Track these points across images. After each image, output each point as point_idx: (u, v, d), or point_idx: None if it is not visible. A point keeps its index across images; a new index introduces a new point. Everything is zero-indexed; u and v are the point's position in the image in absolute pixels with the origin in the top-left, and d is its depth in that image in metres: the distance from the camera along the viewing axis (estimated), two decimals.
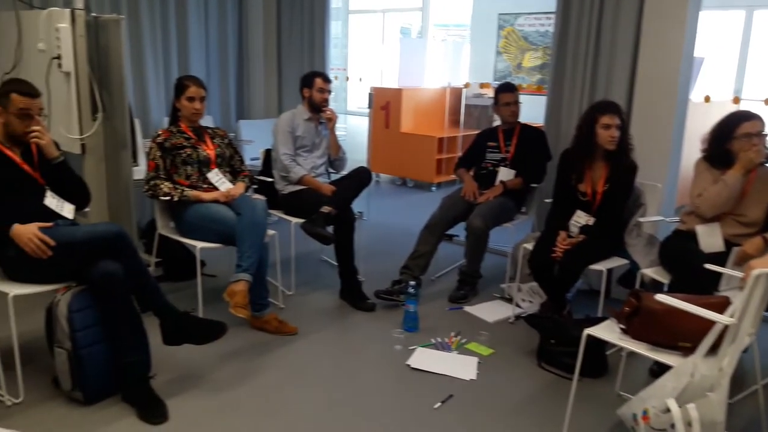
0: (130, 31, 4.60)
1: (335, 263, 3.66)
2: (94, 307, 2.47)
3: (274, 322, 3.20)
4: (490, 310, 3.54)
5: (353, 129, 10.53)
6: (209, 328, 2.61)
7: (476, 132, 4.26)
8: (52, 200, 2.70)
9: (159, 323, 2.62)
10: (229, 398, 2.59)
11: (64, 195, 2.77)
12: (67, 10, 3.13)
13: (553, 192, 3.34)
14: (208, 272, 3.90)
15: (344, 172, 3.93)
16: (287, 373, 2.81)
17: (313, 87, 3.75)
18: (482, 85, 6.93)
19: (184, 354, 2.83)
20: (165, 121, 4.86)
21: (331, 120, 3.82)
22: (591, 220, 3.14)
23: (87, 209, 2.94)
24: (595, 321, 2.60)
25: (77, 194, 2.83)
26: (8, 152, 2.64)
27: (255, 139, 5.19)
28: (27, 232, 2.44)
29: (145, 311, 2.58)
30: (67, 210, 2.74)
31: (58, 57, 3.14)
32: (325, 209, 3.43)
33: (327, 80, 3.79)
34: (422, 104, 7.25)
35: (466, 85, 7.23)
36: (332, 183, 3.76)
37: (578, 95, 3.87)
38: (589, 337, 2.26)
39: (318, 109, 3.79)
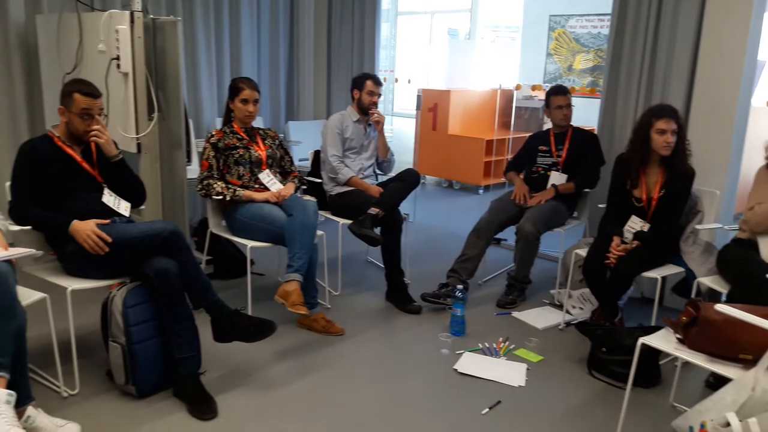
0: (185, 33, 4.72)
1: (381, 265, 3.66)
2: (149, 303, 2.53)
3: (321, 321, 3.22)
4: (539, 316, 3.47)
5: (399, 131, 10.54)
6: (259, 326, 2.64)
7: (526, 134, 4.19)
8: (109, 198, 2.78)
9: (210, 320, 2.66)
10: (277, 397, 2.61)
11: (121, 193, 2.85)
12: (127, 12, 3.21)
13: (607, 197, 3.26)
14: (257, 271, 3.95)
15: (392, 174, 3.92)
16: (334, 373, 2.82)
17: (363, 89, 3.76)
18: (534, 87, 6.82)
19: (234, 351, 2.87)
20: (217, 122, 4.97)
21: (379, 122, 3.83)
22: (646, 227, 3.05)
23: (142, 207, 3.01)
24: (650, 330, 2.52)
25: (134, 192, 2.90)
26: (69, 150, 2.73)
27: (303, 140, 5.25)
28: (85, 229, 2.52)
29: (197, 308, 2.62)
30: (123, 207, 2.82)
31: (117, 58, 3.23)
32: (373, 211, 3.43)
33: (378, 83, 3.79)
34: (470, 106, 7.19)
35: (517, 87, 7.12)
36: (380, 185, 3.76)
37: (633, 99, 3.76)
38: (644, 346, 2.19)
39: (366, 111, 3.80)
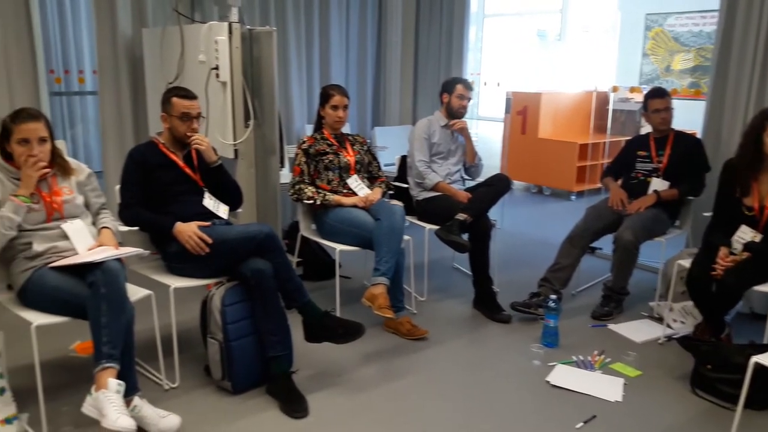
0: (277, 42, 4.87)
1: (468, 272, 3.61)
2: (245, 302, 2.62)
3: (407, 324, 3.22)
4: (637, 330, 3.30)
5: (485, 135, 10.40)
6: (349, 328, 2.67)
7: (622, 139, 4.01)
8: (209, 201, 2.91)
9: (302, 320, 2.73)
10: (366, 399, 2.62)
11: (220, 196, 2.97)
12: (226, 24, 3.35)
13: (714, 205, 3.05)
14: (344, 274, 4.01)
15: (480, 179, 3.87)
16: (422, 379, 2.81)
17: (453, 93, 3.73)
18: (632, 89, 6.51)
19: (323, 352, 2.92)
20: (306, 128, 5.09)
21: (462, 129, 3.78)
22: (758, 237, 2.84)
23: (239, 210, 3.12)
24: (762, 348, 2.34)
25: (232, 196, 3.02)
26: (173, 156, 2.87)
27: (389, 146, 5.28)
28: (188, 230, 2.65)
29: (289, 308, 2.69)
30: (222, 210, 2.94)
31: (216, 67, 3.37)
32: (461, 216, 3.40)
33: (468, 87, 3.76)
34: (562, 109, 6.98)
35: (614, 89, 6.83)
36: (468, 190, 3.72)
37: (743, 100, 3.52)
38: (757, 365, 2.04)
39: (455, 115, 3.77)
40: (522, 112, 6.88)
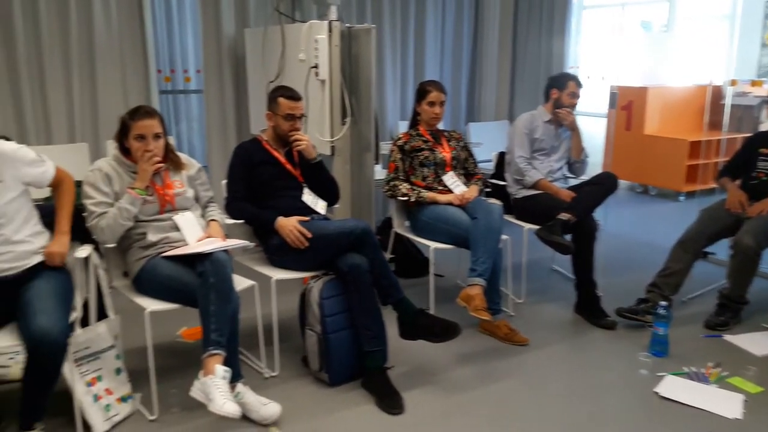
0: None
1: (568, 274, 3.46)
2: (342, 296, 2.64)
3: (504, 328, 3.13)
4: (757, 342, 3.04)
5: (586, 131, 9.98)
6: (445, 327, 2.63)
7: (739, 136, 3.71)
8: (308, 197, 2.96)
9: (396, 317, 2.72)
10: (461, 400, 2.58)
11: (318, 192, 3.02)
12: (326, 22, 3.40)
13: None
14: (437, 272, 3.96)
15: (584, 177, 3.71)
16: (520, 383, 2.72)
17: (564, 89, 3.58)
18: (753, 83, 5.99)
19: (418, 349, 2.90)
20: (400, 125, 5.10)
21: (572, 122, 3.62)
22: None
23: (336, 206, 3.16)
24: None
25: (329, 192, 3.06)
26: (275, 153, 2.95)
27: (484, 142, 5.18)
28: (289, 225, 2.71)
29: (385, 304, 2.69)
30: (320, 206, 2.99)
31: (316, 66, 3.43)
32: (564, 216, 3.26)
33: (579, 85, 3.60)
34: (670, 104, 6.56)
35: (733, 83, 6.31)
36: (570, 188, 3.57)
37: None
38: None
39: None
40: (627, 108, 6.53)
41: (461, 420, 2.44)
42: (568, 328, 3.31)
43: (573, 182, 3.76)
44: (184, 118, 7.63)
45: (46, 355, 2.01)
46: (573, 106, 3.61)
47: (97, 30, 4.14)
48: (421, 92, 3.39)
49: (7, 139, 2.21)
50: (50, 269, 2.26)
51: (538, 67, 5.30)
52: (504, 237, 3.18)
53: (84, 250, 2.41)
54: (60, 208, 2.39)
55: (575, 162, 3.74)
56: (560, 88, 3.61)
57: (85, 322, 2.41)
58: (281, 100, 2.89)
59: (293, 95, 2.90)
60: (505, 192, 3.72)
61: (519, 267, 3.66)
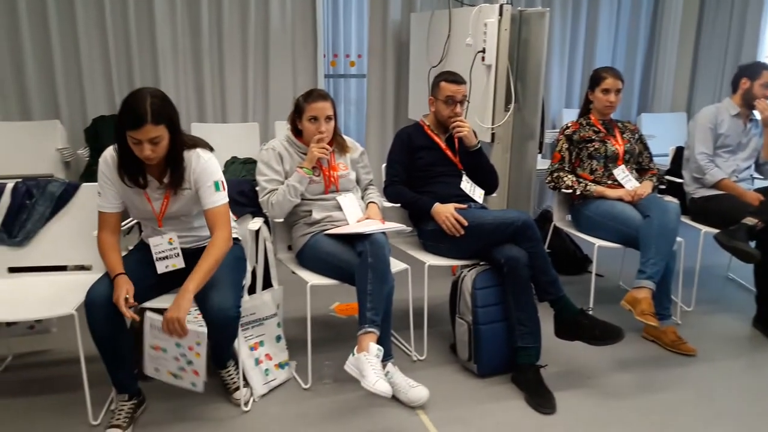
0: None
1: (746, 284, 3.11)
2: (496, 288, 2.58)
3: (671, 335, 2.89)
4: None
5: None
6: (607, 330, 2.47)
7: None
8: (466, 184, 2.93)
9: (554, 315, 2.60)
10: (618, 408, 2.42)
11: (476, 180, 2.97)
12: (496, 6, 3.31)
13: None
14: (597, 271, 3.74)
15: None
16: (687, 397, 2.49)
17: (757, 79, 3.22)
18: None
19: (572, 350, 2.77)
20: (564, 112, 4.87)
21: (767, 113, 3.22)
22: None
23: (493, 195, 3.09)
24: None
25: (488, 180, 3.00)
26: (436, 138, 2.94)
27: (657, 134, 4.78)
28: (446, 211, 2.70)
29: (542, 300, 2.59)
30: (478, 194, 2.94)
31: (483, 51, 3.36)
32: (750, 221, 2.93)
33: None
34: None
35: None
36: (758, 191, 3.19)
37: None
38: None
39: (751, 105, 3.25)
40: None
41: (615, 428, 2.29)
42: (743, 343, 2.98)
43: (759, 184, 3.36)
44: (342, 102, 7.93)
45: (221, 326, 2.17)
46: (765, 98, 3.21)
47: (273, 17, 4.41)
48: (596, 78, 3.18)
49: (211, 149, 2.28)
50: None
51: (724, 54, 4.77)
52: (679, 239, 2.92)
53: (256, 223, 2.58)
54: (200, 264, 2.11)
55: (765, 163, 3.35)
56: (752, 77, 3.23)
57: (252, 290, 2.58)
58: (443, 83, 2.87)
59: (455, 79, 2.86)
60: (682, 190, 3.42)
61: (691, 272, 3.35)
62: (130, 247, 2.44)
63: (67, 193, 2.55)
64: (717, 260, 3.57)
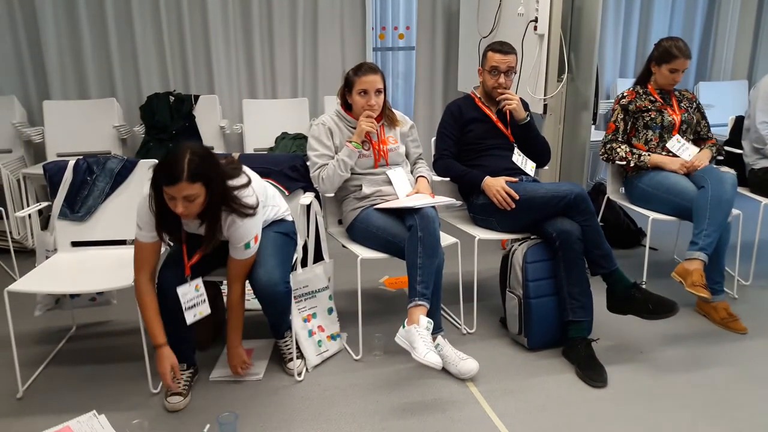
0: None
1: None
2: (548, 262, 2.57)
3: (722, 311, 2.82)
4: None
5: None
6: (660, 304, 2.44)
7: None
8: (518, 157, 2.90)
9: (606, 289, 2.58)
10: (669, 383, 2.39)
11: (527, 152, 2.94)
12: None
13: None
14: (651, 245, 3.67)
15: None
16: (741, 373, 2.45)
17: None
18: None
19: (624, 324, 2.75)
20: (619, 82, 4.74)
21: None
22: None
23: (545, 168, 3.05)
24: None
25: (539, 153, 2.96)
26: (487, 110, 2.91)
27: (716, 104, 4.61)
28: (496, 185, 2.68)
29: (594, 274, 2.57)
30: (529, 167, 2.91)
31: (535, 20, 3.29)
32: None
33: None
34: None
35: None
36: None
37: None
38: None
39: None
40: None
41: (668, 403, 2.27)
42: None
43: None
44: (390, 75, 7.90)
45: (271, 300, 2.27)
46: None
47: None
48: (665, 55, 3.01)
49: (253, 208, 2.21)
50: (277, 223, 2.47)
51: None
52: (735, 211, 2.83)
53: (307, 198, 2.63)
54: (232, 329, 2.35)
55: None
56: None
57: (304, 263, 2.64)
58: (489, 53, 2.84)
59: (502, 48, 2.82)
60: (741, 161, 3.31)
61: (749, 246, 3.26)
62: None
63: (126, 169, 2.65)
64: None
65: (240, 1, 4.36)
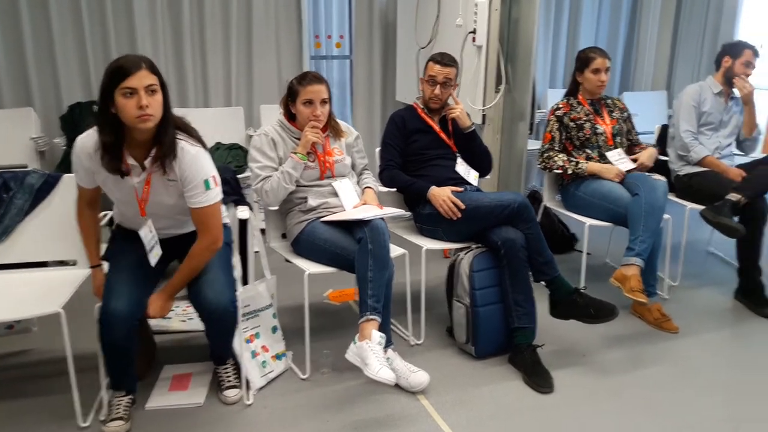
0: None
1: (726, 257, 3.21)
2: (493, 270, 2.61)
3: (656, 312, 2.97)
4: None
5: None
6: (601, 308, 2.53)
7: None
8: (461, 167, 2.93)
9: (548, 295, 2.65)
10: (614, 383, 2.48)
11: (470, 162, 2.98)
12: None
13: None
14: (582, 249, 3.81)
15: (754, 155, 3.38)
16: (676, 370, 2.58)
17: (739, 58, 3.29)
18: None
19: (566, 329, 2.82)
20: (549, 93, 4.89)
21: (749, 94, 3.30)
22: None
23: (487, 177, 3.10)
24: None
25: (482, 162, 3.01)
26: (430, 121, 2.93)
27: (639, 113, 4.84)
28: (442, 194, 2.70)
29: (537, 281, 2.63)
30: (473, 177, 2.95)
31: (474, 31, 3.34)
32: (733, 196, 3.00)
33: (757, 55, 3.30)
34: None
35: None
36: (739, 167, 3.28)
37: None
38: None
39: (732, 82, 3.32)
40: None
41: (612, 403, 2.35)
42: (726, 315, 3.09)
43: (739, 160, 3.45)
44: None
45: (220, 322, 2.16)
46: (746, 77, 3.28)
47: None
48: (584, 59, 3.18)
49: (204, 147, 2.16)
50: None
51: (702, 33, 4.83)
52: (666, 216, 2.98)
53: (245, 212, 2.53)
54: (181, 269, 2.16)
55: (746, 140, 3.43)
56: (734, 55, 3.30)
57: (244, 281, 2.52)
58: (429, 63, 2.88)
59: (442, 60, 2.85)
60: (667, 168, 3.48)
61: (677, 248, 3.43)
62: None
63: (48, 184, 2.42)
64: (698, 235, 3.66)
65: (169, 4, 4.19)
